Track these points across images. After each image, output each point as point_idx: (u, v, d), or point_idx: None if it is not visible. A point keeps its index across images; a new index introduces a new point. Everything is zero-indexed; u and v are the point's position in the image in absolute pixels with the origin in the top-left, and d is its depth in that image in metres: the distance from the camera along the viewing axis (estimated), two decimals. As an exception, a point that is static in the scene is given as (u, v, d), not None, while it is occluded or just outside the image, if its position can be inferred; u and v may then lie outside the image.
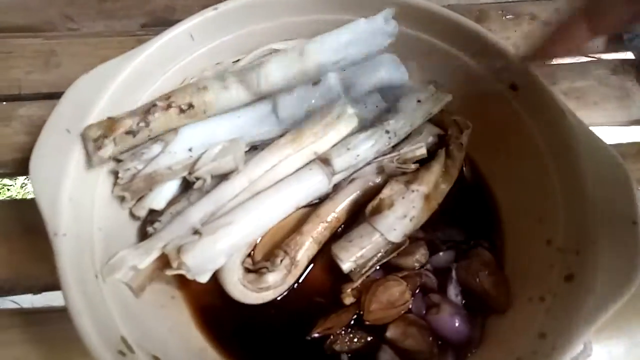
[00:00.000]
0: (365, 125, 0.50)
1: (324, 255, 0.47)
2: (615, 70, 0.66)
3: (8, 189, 1.39)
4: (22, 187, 1.38)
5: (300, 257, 0.45)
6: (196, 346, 0.44)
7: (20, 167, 0.55)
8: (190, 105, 0.46)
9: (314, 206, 0.48)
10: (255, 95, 0.49)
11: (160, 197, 0.47)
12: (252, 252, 0.47)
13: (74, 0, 0.71)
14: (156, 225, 0.46)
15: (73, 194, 0.42)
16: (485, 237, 0.49)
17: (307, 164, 0.47)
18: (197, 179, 0.47)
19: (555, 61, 0.46)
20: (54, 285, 0.38)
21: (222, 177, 0.47)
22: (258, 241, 0.47)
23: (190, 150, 0.47)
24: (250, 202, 0.44)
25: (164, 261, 0.41)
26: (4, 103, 0.60)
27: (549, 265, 0.43)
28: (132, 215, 0.48)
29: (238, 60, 0.53)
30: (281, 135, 0.49)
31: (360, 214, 0.48)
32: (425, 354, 0.42)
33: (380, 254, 0.45)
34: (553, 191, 0.46)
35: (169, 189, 0.48)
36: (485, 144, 0.53)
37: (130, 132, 0.44)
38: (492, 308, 0.44)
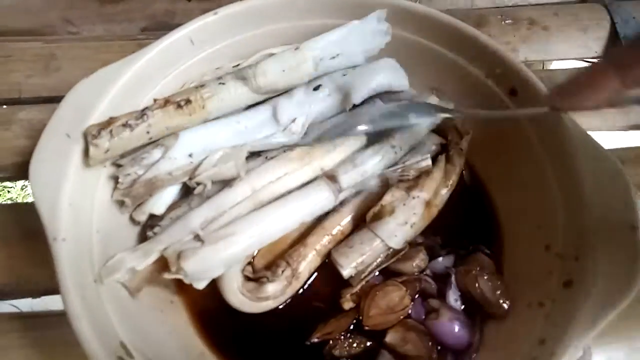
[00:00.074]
0: (370, 138, 0.50)
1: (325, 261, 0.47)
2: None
3: (8, 191, 1.39)
4: (22, 189, 1.39)
5: (302, 269, 0.45)
6: (195, 351, 0.44)
7: (20, 171, 0.55)
8: (188, 101, 0.46)
9: (319, 217, 0.48)
10: (254, 91, 0.49)
11: (160, 203, 0.47)
12: (253, 259, 0.47)
13: (75, 3, 0.72)
14: (156, 230, 0.46)
15: (73, 199, 0.42)
16: (485, 243, 0.49)
17: (314, 179, 0.47)
18: (198, 184, 0.47)
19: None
20: (53, 289, 0.38)
21: (223, 183, 0.47)
22: (258, 250, 0.47)
23: (190, 155, 0.47)
24: (255, 214, 0.44)
25: (161, 264, 0.41)
26: (4, 107, 0.60)
27: (548, 271, 0.43)
28: (132, 220, 0.48)
29: (238, 65, 0.53)
30: (284, 144, 0.49)
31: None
32: (424, 359, 0.42)
33: (380, 260, 0.46)
34: (552, 197, 0.46)
35: (169, 194, 0.48)
36: (484, 150, 0.53)
37: (127, 125, 0.44)
38: (491, 313, 0.44)
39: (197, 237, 0.42)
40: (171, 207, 0.47)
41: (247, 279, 0.44)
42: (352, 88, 0.52)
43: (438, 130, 0.52)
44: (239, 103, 0.50)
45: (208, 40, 0.53)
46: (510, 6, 0.75)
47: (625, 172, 0.42)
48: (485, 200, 0.52)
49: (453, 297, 0.45)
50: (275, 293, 0.43)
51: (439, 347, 0.43)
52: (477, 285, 0.44)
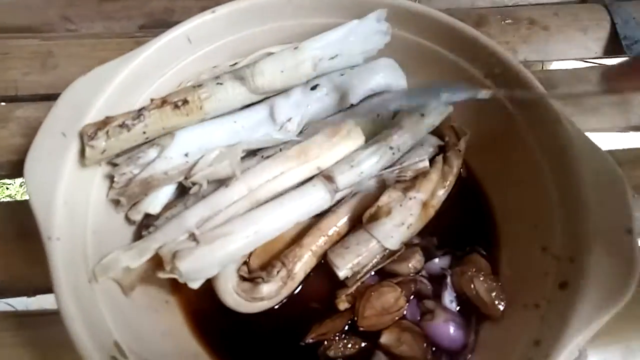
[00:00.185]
0: (367, 137, 0.50)
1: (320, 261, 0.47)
2: (614, 76, 0.65)
3: (7, 188, 1.40)
4: (21, 185, 1.39)
5: (297, 269, 0.45)
6: (190, 351, 0.44)
7: (16, 169, 0.55)
8: (185, 101, 0.46)
9: (315, 218, 0.48)
10: (251, 91, 0.49)
11: (156, 202, 0.47)
12: (249, 259, 0.47)
13: (73, 1, 0.71)
14: (151, 229, 0.46)
15: (68, 198, 0.42)
16: (481, 244, 0.49)
17: (310, 179, 0.47)
18: (194, 184, 0.47)
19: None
20: (48, 288, 0.38)
21: (219, 183, 0.46)
22: (254, 250, 0.46)
23: (186, 155, 0.47)
24: (251, 214, 0.44)
25: (156, 263, 0.41)
26: (1, 104, 0.60)
27: (544, 273, 0.43)
28: (128, 220, 0.48)
29: (235, 64, 0.53)
30: (280, 143, 0.49)
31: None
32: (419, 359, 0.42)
33: (376, 260, 0.46)
34: (549, 198, 0.46)
35: (165, 193, 0.48)
36: (482, 150, 0.53)
37: (124, 126, 0.44)
38: (486, 315, 0.44)
39: (193, 237, 0.42)
40: (167, 207, 0.47)
41: (243, 279, 0.44)
42: (350, 88, 0.52)
43: (436, 131, 0.52)
44: (236, 103, 0.50)
45: (206, 39, 0.53)
46: (510, 6, 0.75)
47: (623, 175, 0.42)
48: (482, 201, 0.52)
49: (448, 298, 0.45)
50: (271, 293, 0.43)
51: (433, 348, 0.43)
52: (472, 286, 0.44)
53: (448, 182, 0.49)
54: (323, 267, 0.46)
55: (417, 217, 0.46)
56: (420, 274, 0.46)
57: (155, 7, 0.72)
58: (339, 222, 0.47)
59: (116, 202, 0.46)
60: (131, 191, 0.45)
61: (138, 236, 0.47)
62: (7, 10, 0.69)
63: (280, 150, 0.48)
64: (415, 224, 0.46)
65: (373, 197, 0.47)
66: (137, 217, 0.47)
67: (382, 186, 0.48)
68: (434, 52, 0.54)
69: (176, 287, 0.46)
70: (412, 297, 0.45)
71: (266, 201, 0.45)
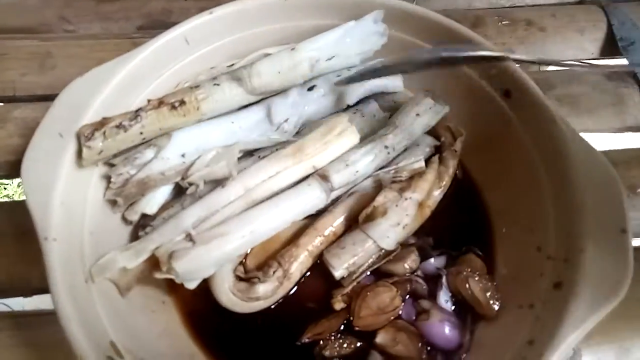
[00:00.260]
0: (363, 137, 0.50)
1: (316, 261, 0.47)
2: (610, 77, 0.66)
3: (5, 188, 1.40)
4: (19, 185, 1.39)
5: (293, 269, 0.45)
6: (186, 352, 0.44)
7: (14, 169, 0.55)
8: (182, 102, 0.46)
9: (311, 218, 0.48)
10: (248, 92, 0.49)
11: (152, 202, 0.47)
12: (245, 259, 0.47)
13: (71, 2, 0.72)
14: (148, 229, 0.46)
15: (64, 198, 0.42)
16: (477, 244, 0.49)
17: (306, 178, 0.47)
18: (190, 184, 0.47)
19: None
20: (44, 288, 0.38)
21: (215, 183, 0.47)
22: (250, 250, 0.46)
23: (183, 155, 0.47)
24: (247, 213, 0.44)
25: (153, 263, 0.41)
26: (-1, 104, 0.60)
27: (539, 273, 0.43)
28: (124, 220, 0.48)
29: (232, 65, 0.53)
30: (277, 143, 0.49)
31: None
32: (414, 359, 0.42)
33: (371, 260, 0.46)
34: (544, 199, 0.46)
35: (162, 194, 0.48)
36: (477, 152, 0.53)
37: (121, 127, 0.44)
38: (481, 314, 0.44)
39: (189, 237, 0.42)
40: (164, 207, 0.47)
41: (239, 279, 0.44)
42: (346, 89, 0.52)
43: (431, 131, 0.52)
44: (233, 104, 0.50)
45: (203, 40, 0.54)
46: (507, 7, 0.75)
47: (618, 175, 0.42)
48: (478, 201, 0.52)
49: (444, 298, 0.45)
50: (267, 293, 0.43)
51: (429, 348, 0.43)
52: (467, 286, 0.44)
53: (444, 183, 0.50)
54: (319, 267, 0.46)
55: (413, 218, 0.46)
56: (415, 273, 0.46)
57: (153, 8, 0.72)
58: (335, 222, 0.47)
59: (113, 203, 0.46)
60: (128, 191, 0.45)
61: (135, 236, 0.47)
62: (4, 11, 0.69)
63: (277, 150, 0.48)
64: (411, 224, 0.46)
65: (369, 197, 0.47)
66: (134, 217, 0.47)
67: (378, 186, 0.48)
68: (430, 53, 0.54)
69: (172, 287, 0.46)
70: (407, 296, 0.45)
71: (262, 201, 0.45)
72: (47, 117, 0.45)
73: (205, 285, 0.43)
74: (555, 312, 0.39)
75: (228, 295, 0.43)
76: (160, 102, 0.46)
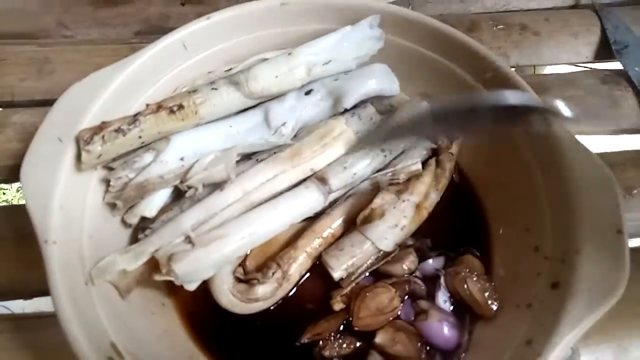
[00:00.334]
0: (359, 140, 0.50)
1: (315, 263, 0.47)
2: (605, 80, 0.66)
3: (4, 193, 1.40)
4: (18, 190, 1.39)
5: (292, 271, 0.45)
6: (186, 353, 0.44)
7: (13, 174, 0.55)
8: (180, 106, 0.47)
9: (310, 220, 0.48)
10: (246, 96, 0.49)
11: (152, 205, 0.47)
12: (244, 261, 0.47)
13: (70, 8, 0.72)
14: (147, 232, 0.46)
15: (64, 202, 0.42)
16: (474, 245, 0.49)
17: (304, 181, 0.47)
18: (189, 187, 0.47)
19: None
20: (45, 290, 0.39)
21: (214, 186, 0.47)
22: (249, 251, 0.47)
23: (182, 159, 0.47)
24: (245, 216, 0.44)
25: (152, 265, 0.42)
26: (-2, 110, 0.61)
27: (537, 273, 0.43)
28: (124, 223, 0.48)
29: (230, 69, 0.54)
30: (275, 147, 0.49)
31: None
32: (413, 359, 0.42)
33: (370, 262, 0.46)
34: (540, 200, 0.46)
35: (161, 197, 0.48)
36: (474, 154, 0.53)
37: (120, 131, 0.44)
38: (480, 314, 0.45)
39: (188, 239, 0.42)
40: (163, 210, 0.48)
41: (238, 280, 0.44)
42: (343, 92, 0.52)
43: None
44: (231, 108, 0.50)
45: (201, 45, 0.54)
46: (501, 12, 0.76)
47: (613, 176, 0.43)
48: (475, 203, 0.52)
49: (442, 299, 0.45)
50: (266, 294, 0.44)
51: (428, 348, 0.43)
52: (465, 286, 0.44)
53: (441, 185, 0.50)
54: (318, 268, 0.46)
55: (411, 219, 0.47)
56: (414, 274, 0.46)
57: (151, 13, 0.73)
58: (334, 224, 0.47)
59: (112, 206, 0.46)
60: (127, 195, 0.46)
61: (134, 239, 0.47)
62: (3, 17, 0.70)
63: (275, 153, 0.49)
64: (408, 226, 0.47)
65: (367, 199, 0.47)
66: (134, 220, 0.47)
67: (376, 189, 0.49)
68: (427, 58, 0.55)
69: (172, 289, 0.46)
70: (406, 297, 0.46)
71: (260, 204, 0.45)
72: (45, 121, 0.45)
73: (205, 287, 0.44)
74: (553, 312, 0.39)
75: (228, 296, 0.43)
76: (159, 107, 0.47)
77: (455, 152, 0.52)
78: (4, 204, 1.36)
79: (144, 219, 0.47)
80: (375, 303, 0.44)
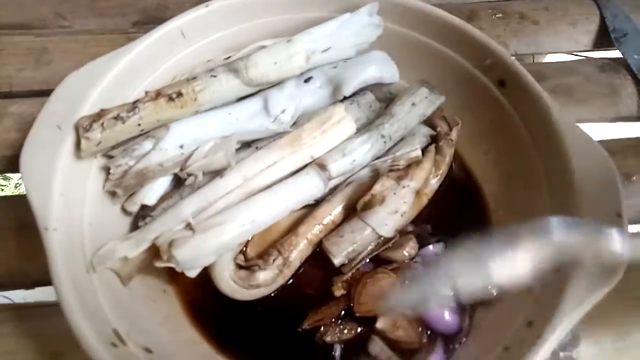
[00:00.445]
0: (359, 127, 0.50)
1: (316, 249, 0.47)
2: (604, 68, 0.66)
3: (2, 190, 1.39)
4: (16, 187, 1.38)
5: (293, 257, 0.45)
6: (188, 339, 0.44)
7: (11, 164, 0.55)
8: (179, 93, 0.46)
9: (310, 207, 0.48)
10: (245, 84, 0.49)
11: (152, 193, 0.47)
12: (245, 248, 0.47)
13: (67, -2, 0.72)
14: (148, 220, 0.46)
15: (64, 190, 0.42)
16: (474, 231, 0.49)
17: (304, 167, 0.47)
18: (189, 175, 0.47)
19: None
20: (45, 280, 0.39)
21: (214, 174, 0.47)
22: (250, 238, 0.47)
23: (181, 147, 0.47)
24: (245, 203, 0.44)
25: (153, 252, 0.42)
26: (-4, 100, 0.60)
27: (537, 257, 0.43)
28: (124, 211, 0.48)
29: (229, 57, 0.54)
30: (274, 134, 0.49)
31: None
32: (414, 344, 0.43)
33: (370, 248, 0.46)
34: (539, 185, 0.46)
35: (161, 185, 0.48)
36: (473, 140, 0.53)
37: (119, 118, 0.44)
38: (480, 299, 0.45)
39: (189, 226, 0.42)
40: (163, 198, 0.48)
41: (239, 267, 0.44)
42: (343, 80, 0.52)
43: (427, 121, 0.53)
44: (230, 95, 0.50)
45: (199, 33, 0.54)
46: (501, 0, 0.76)
47: (612, 161, 0.43)
48: (475, 190, 0.53)
49: (443, 284, 0.45)
50: (267, 281, 0.44)
51: (429, 332, 0.43)
52: (466, 271, 0.44)
53: (441, 171, 0.50)
54: (319, 255, 0.46)
55: (411, 205, 0.47)
56: (414, 260, 0.46)
57: (149, 3, 0.72)
58: (334, 211, 0.47)
59: (112, 194, 0.46)
60: (127, 183, 0.46)
61: (135, 227, 0.47)
62: (0, 8, 0.69)
63: (274, 140, 0.48)
64: (408, 212, 0.47)
65: (367, 186, 0.47)
66: (134, 208, 0.47)
67: (376, 175, 0.49)
68: (426, 45, 0.55)
69: (173, 276, 0.46)
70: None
71: (261, 190, 0.45)
72: (44, 110, 0.45)
73: (206, 274, 0.44)
74: (554, 294, 0.39)
75: (229, 282, 0.43)
76: (158, 94, 0.47)
77: (454, 138, 0.52)
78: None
79: (144, 207, 0.47)
80: (376, 288, 0.44)
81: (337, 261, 0.45)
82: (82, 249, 0.42)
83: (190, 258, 0.41)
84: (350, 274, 0.45)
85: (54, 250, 0.39)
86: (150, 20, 0.70)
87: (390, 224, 0.46)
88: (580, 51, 0.71)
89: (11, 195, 1.22)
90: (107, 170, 0.46)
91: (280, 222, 0.46)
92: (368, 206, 0.46)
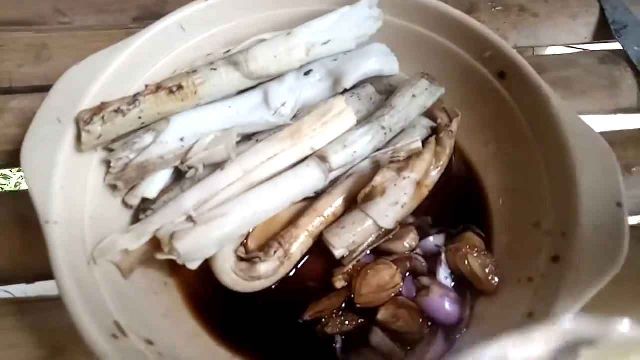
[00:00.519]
0: (360, 119, 0.50)
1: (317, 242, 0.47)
2: (604, 60, 0.66)
3: (2, 188, 1.39)
4: (16, 186, 1.39)
5: (294, 249, 0.45)
6: (190, 331, 0.44)
7: (12, 158, 0.55)
8: (180, 87, 0.46)
9: (311, 199, 0.48)
10: (245, 77, 0.49)
11: (152, 186, 0.47)
12: (246, 240, 0.47)
13: (66, -6, 0.72)
14: (149, 213, 0.46)
15: (64, 183, 0.42)
16: (475, 222, 0.49)
17: (304, 159, 0.47)
18: (190, 168, 0.47)
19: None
20: (47, 274, 0.39)
21: (214, 166, 0.47)
22: (251, 230, 0.47)
23: (182, 140, 0.47)
24: (246, 195, 0.44)
25: (154, 245, 0.42)
26: (-4, 95, 0.60)
27: (537, 248, 0.44)
28: (125, 204, 0.48)
29: (228, 51, 0.54)
30: (274, 127, 0.49)
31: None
32: (415, 335, 0.43)
33: (371, 240, 0.46)
34: (540, 176, 0.47)
35: (162, 178, 0.48)
36: (474, 132, 0.53)
37: (120, 111, 0.44)
38: (481, 290, 0.45)
39: (190, 218, 0.42)
40: (164, 191, 0.48)
41: (240, 259, 0.44)
42: (343, 73, 0.52)
43: (427, 113, 0.53)
44: (230, 88, 0.50)
45: (199, 27, 0.54)
46: (500, -7, 0.76)
47: (613, 151, 0.43)
48: (475, 181, 0.53)
49: (443, 275, 0.45)
50: (268, 273, 0.44)
51: (429, 323, 0.43)
52: (466, 262, 0.44)
53: (441, 163, 0.50)
54: (319, 247, 0.46)
55: (411, 197, 0.47)
56: (415, 251, 0.46)
57: (148, -1, 0.72)
58: (334, 203, 0.47)
59: (113, 187, 0.46)
60: (128, 176, 0.46)
61: (136, 220, 0.47)
62: (0, 4, 0.69)
63: (275, 133, 0.48)
64: (409, 203, 0.47)
65: (367, 178, 0.47)
66: (135, 201, 0.47)
67: (376, 168, 0.49)
68: (426, 37, 0.55)
69: (174, 269, 0.46)
70: (407, 274, 0.46)
71: (261, 182, 0.45)
72: (45, 103, 0.45)
73: (207, 267, 0.44)
74: (554, 285, 0.39)
75: (230, 274, 0.43)
76: (158, 87, 0.47)
77: (455, 130, 0.52)
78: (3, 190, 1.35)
79: (145, 200, 0.47)
80: (376, 280, 0.44)
81: (337, 253, 0.45)
82: (83, 242, 0.42)
83: (192, 250, 0.41)
84: (350, 266, 0.45)
85: (55, 243, 0.39)
86: (150, 16, 0.70)
87: (390, 215, 0.46)
88: (580, 43, 0.71)
89: (13, 191, 1.22)
90: (107, 163, 0.46)
91: (281, 214, 0.46)
92: (369, 198, 0.46)
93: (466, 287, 0.45)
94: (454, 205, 0.51)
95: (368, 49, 0.54)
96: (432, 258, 0.46)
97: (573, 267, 0.39)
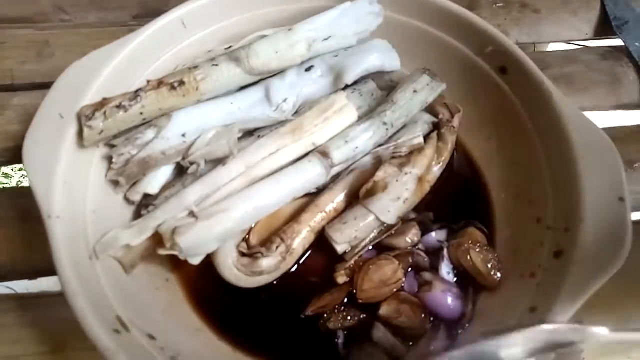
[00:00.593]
0: (361, 115, 0.50)
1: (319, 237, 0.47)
2: (605, 56, 0.66)
3: (4, 189, 1.40)
4: (17, 184, 1.39)
5: (296, 245, 0.45)
6: (192, 327, 0.44)
7: (13, 155, 0.55)
8: (181, 82, 0.46)
9: (312, 195, 0.48)
10: (246, 73, 0.49)
11: (154, 182, 0.47)
12: (248, 236, 0.47)
13: (67, -9, 0.72)
14: (151, 208, 0.46)
15: (67, 178, 0.42)
16: (477, 218, 0.49)
17: (306, 155, 0.47)
18: (192, 163, 0.47)
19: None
20: (49, 270, 0.39)
21: (216, 162, 0.47)
22: (253, 226, 0.47)
23: (183, 135, 0.47)
24: (248, 190, 0.44)
25: (156, 241, 0.42)
26: (-2, 93, 0.60)
27: (539, 243, 0.44)
28: (127, 200, 0.48)
29: (230, 47, 0.54)
30: (276, 123, 0.49)
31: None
32: (417, 330, 0.43)
33: (373, 235, 0.46)
34: (542, 171, 0.47)
35: (163, 174, 0.48)
36: (475, 127, 0.53)
37: (121, 107, 0.44)
38: (483, 285, 0.45)
39: (192, 214, 0.42)
40: (165, 187, 0.48)
41: (242, 254, 0.44)
42: (344, 68, 0.52)
43: (429, 108, 0.53)
44: (232, 84, 0.50)
45: (200, 23, 0.54)
46: (501, -11, 0.76)
47: (615, 146, 0.43)
48: (477, 177, 0.53)
49: (446, 270, 0.45)
50: (270, 268, 0.44)
51: (432, 319, 0.43)
52: (469, 257, 0.44)
53: (443, 158, 0.50)
54: (321, 242, 0.46)
55: (413, 192, 0.47)
56: (417, 247, 0.46)
57: (149, -4, 0.72)
58: (336, 198, 0.47)
59: (115, 183, 0.46)
60: (130, 171, 0.46)
61: (138, 216, 0.47)
62: (1, 2, 0.69)
63: (276, 128, 0.49)
64: (411, 199, 0.47)
65: (369, 174, 0.48)
66: (137, 197, 0.47)
67: (378, 163, 0.49)
68: (426, 33, 0.55)
69: (176, 264, 0.46)
70: (409, 269, 0.46)
71: (263, 178, 0.45)
72: (47, 99, 0.45)
73: (209, 262, 0.44)
74: (557, 280, 0.39)
75: (232, 270, 0.43)
76: (160, 83, 0.47)
77: (456, 125, 0.52)
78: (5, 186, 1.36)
79: (146, 195, 0.47)
80: (379, 275, 0.44)
81: (339, 248, 0.45)
82: (85, 237, 0.42)
83: (194, 245, 0.41)
84: (352, 261, 0.45)
85: (57, 237, 0.39)
86: (151, 13, 0.70)
87: (392, 211, 0.46)
88: (582, 40, 0.71)
89: (15, 187, 1.22)
90: (109, 159, 0.46)
91: (282, 210, 0.46)
92: (370, 193, 0.46)
93: (468, 282, 0.45)
94: (456, 200, 0.51)
95: (369, 45, 0.54)
96: (434, 253, 0.46)
97: (575, 262, 0.39)
